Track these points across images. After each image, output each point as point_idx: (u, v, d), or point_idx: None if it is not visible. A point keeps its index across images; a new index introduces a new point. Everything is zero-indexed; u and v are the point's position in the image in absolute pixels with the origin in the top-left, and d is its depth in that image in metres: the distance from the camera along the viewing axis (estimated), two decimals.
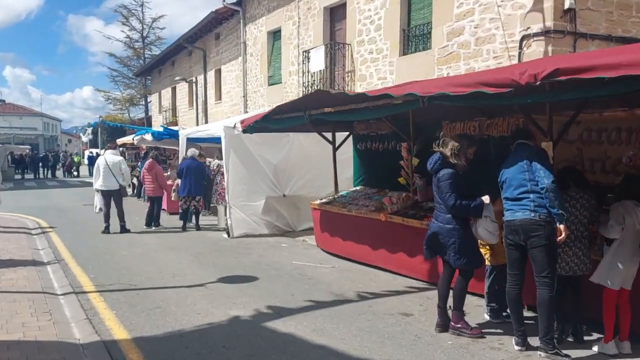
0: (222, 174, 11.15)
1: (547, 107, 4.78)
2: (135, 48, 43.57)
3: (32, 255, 8.55)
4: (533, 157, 4.43)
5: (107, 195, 10.89)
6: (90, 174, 21.92)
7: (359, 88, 11.74)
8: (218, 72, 20.42)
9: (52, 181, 30.77)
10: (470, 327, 4.88)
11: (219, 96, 20.59)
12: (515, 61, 7.99)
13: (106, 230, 11.00)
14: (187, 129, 12.78)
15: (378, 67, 11.14)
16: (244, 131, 8.77)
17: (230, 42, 18.80)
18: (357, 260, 7.89)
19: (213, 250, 8.92)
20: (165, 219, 13.02)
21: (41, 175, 33.75)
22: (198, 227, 11.28)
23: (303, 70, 13.17)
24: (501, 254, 4.95)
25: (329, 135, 9.22)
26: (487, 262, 5.22)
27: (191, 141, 13.33)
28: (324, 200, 9.02)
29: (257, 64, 16.77)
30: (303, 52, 13.17)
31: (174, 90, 26.85)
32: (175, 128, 16.48)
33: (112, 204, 10.81)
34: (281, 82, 15.29)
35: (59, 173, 35.55)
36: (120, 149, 24.22)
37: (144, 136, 14.80)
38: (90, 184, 22.28)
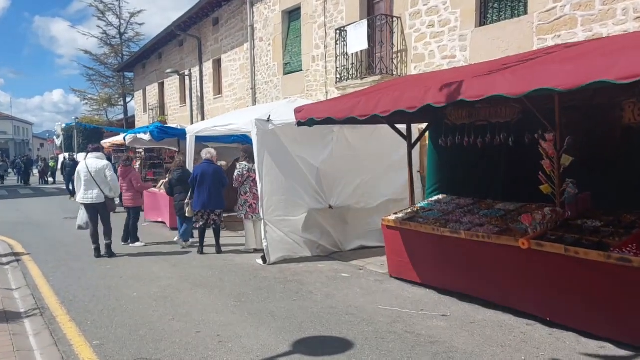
0: (254, 181, 8.76)
1: None
2: (113, 45, 40.68)
3: (1, 300, 6.06)
4: None
5: (91, 209, 8.60)
6: (66, 181, 19.23)
7: (414, 70, 9.47)
8: (217, 63, 17.93)
9: (25, 189, 27.78)
10: None
11: (218, 90, 18.09)
12: None
13: (97, 254, 8.70)
14: (197, 124, 10.33)
15: (443, 44, 8.89)
16: (300, 123, 6.40)
17: (232, 27, 16.35)
18: (466, 293, 5.64)
19: (257, 288, 6.52)
20: (168, 235, 10.61)
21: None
22: (219, 250, 8.85)
23: (336, 53, 10.83)
24: None
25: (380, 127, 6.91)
26: None
27: (200, 140, 10.91)
28: (400, 215, 6.71)
29: (269, 50, 14.36)
30: (336, 30, 10.83)
31: (161, 85, 24.21)
32: (173, 125, 14.00)
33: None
34: (301, 70, 12.92)
35: (34, 179, 32.47)
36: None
37: (138, 136, 12.25)
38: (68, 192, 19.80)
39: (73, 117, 43.69)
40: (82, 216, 8.81)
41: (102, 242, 8.63)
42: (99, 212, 8.69)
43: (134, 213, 9.70)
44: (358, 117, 5.27)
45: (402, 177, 9.20)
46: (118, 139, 16.09)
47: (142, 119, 27.31)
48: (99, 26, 40.05)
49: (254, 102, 15.11)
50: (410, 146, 7.09)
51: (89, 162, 8.66)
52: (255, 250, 8.88)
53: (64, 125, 39.78)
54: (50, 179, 31.03)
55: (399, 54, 9.81)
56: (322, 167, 8.51)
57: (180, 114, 21.27)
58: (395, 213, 6.89)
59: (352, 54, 10.67)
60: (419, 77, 6.06)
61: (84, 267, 7.92)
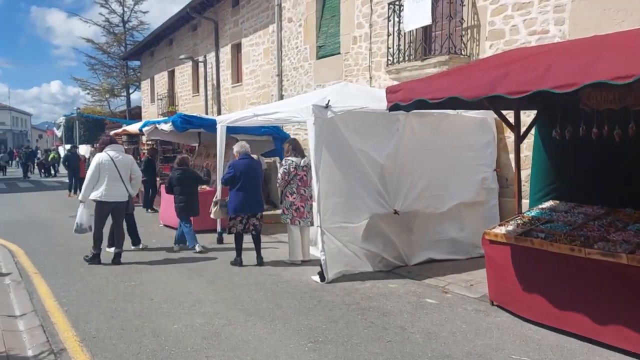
0: (301, 180, 7.33)
1: None
2: (116, 34, 39.10)
3: (1, 336, 4.65)
4: None
5: (107, 209, 7.46)
6: (70, 175, 17.72)
7: (489, 49, 8.03)
8: (236, 48, 16.43)
9: (25, 182, 26.30)
10: None
11: (237, 77, 16.60)
12: None
13: (96, 260, 7.52)
14: (231, 114, 8.85)
15: (530, 17, 7.43)
16: (397, 107, 4.94)
17: (255, 8, 14.84)
18: (617, 346, 4.20)
19: (329, 320, 5.09)
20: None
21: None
22: (261, 261, 7.44)
23: (388, 32, 9.36)
24: None
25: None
26: None
27: (232, 132, 9.46)
28: (512, 228, 5.27)
29: (299, 32, 12.87)
30: (389, 5, 9.34)
31: (171, 74, 22.68)
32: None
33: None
34: (339, 53, 11.44)
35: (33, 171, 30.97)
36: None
37: (159, 126, 10.77)
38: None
39: (75, 108, 42.25)
40: (86, 216, 7.53)
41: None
42: (114, 212, 7.58)
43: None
44: (508, 94, 3.79)
45: (475, 176, 7.85)
46: (132, 128, 14.59)
47: (150, 110, 25.80)
48: (101, 14, 38.46)
49: (280, 90, 13.64)
50: (519, 139, 5.65)
51: (113, 155, 7.51)
52: (303, 262, 7.48)
53: (61, 119, 38.27)
54: (52, 172, 29.56)
55: (471, 30, 8.35)
56: (386, 164, 7.09)
57: (193, 104, 19.78)
58: (501, 224, 5.46)
59: (407, 33, 9.20)
60: (542, 49, 4.64)
61: (103, 284, 6.49)
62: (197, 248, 8.33)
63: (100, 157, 7.54)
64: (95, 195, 7.42)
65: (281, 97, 13.45)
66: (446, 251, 7.54)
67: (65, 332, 4.86)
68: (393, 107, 4.96)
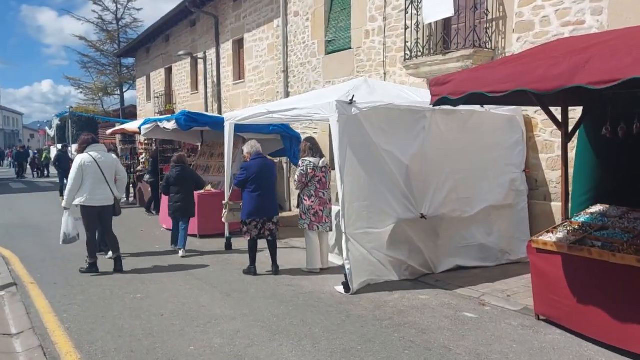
0: (319, 182, 6.82)
1: None
2: (109, 31, 38.35)
3: None
4: None
5: (94, 213, 6.91)
6: (60, 176, 17.08)
7: (516, 43, 7.54)
8: (238, 44, 15.85)
9: (18, 182, 25.62)
10: None
11: (239, 74, 16.02)
12: None
13: (94, 269, 6.99)
14: (240, 111, 8.27)
15: (563, 7, 6.94)
16: (440, 102, 4.42)
17: (259, 2, 14.26)
18: None
19: (364, 339, 4.57)
20: (197, 245, 8.72)
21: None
22: (277, 269, 6.92)
23: (405, 25, 8.84)
24: None
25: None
26: None
27: (237, 130, 8.92)
28: (562, 235, 4.78)
29: (307, 27, 12.32)
30: None
31: (168, 71, 22.05)
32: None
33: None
34: (350, 48, 10.91)
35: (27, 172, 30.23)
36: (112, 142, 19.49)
37: (161, 124, 10.19)
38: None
39: (67, 107, 41.45)
40: (72, 224, 6.97)
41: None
42: (102, 216, 7.02)
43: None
44: (591, 84, 3.27)
45: (504, 177, 7.37)
46: (131, 127, 13.98)
47: (146, 108, 25.16)
48: (94, 11, 37.58)
49: (286, 87, 13.09)
50: (567, 137, 5.16)
51: (95, 155, 6.95)
52: (322, 270, 6.97)
53: (55, 119, 37.43)
54: (45, 172, 28.88)
55: (495, 22, 7.85)
56: (411, 165, 6.59)
57: (192, 102, 19.17)
58: (549, 231, 4.96)
59: (425, 26, 8.70)
60: (610, 35, 4.12)
61: (107, 296, 5.95)
62: (181, 253, 8.03)
63: (82, 158, 6.93)
64: (79, 200, 6.87)
65: (287, 94, 12.91)
66: (474, 258, 7.05)
67: (68, 354, 4.32)
68: (439, 102, 4.44)
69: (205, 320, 5.08)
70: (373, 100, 6.35)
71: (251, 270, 6.85)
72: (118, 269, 7.00)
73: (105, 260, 7.29)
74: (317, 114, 6.34)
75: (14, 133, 73.51)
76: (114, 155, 7.74)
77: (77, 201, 6.88)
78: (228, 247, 8.47)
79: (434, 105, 4.58)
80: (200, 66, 18.19)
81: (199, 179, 8.90)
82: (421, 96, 6.98)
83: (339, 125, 5.93)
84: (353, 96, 6.02)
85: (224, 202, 7.77)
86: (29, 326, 5.03)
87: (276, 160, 11.84)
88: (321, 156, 6.99)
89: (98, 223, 7.07)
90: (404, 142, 6.55)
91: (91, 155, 6.95)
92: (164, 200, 9.79)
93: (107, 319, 5.18)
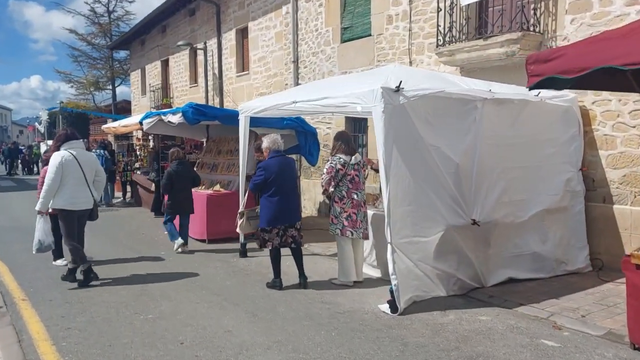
0: (351, 181, 5.96)
1: None
2: (101, 24, 37.22)
3: None
4: None
5: (73, 218, 6.12)
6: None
7: (569, 25, 6.71)
8: (242, 33, 14.90)
9: (6, 180, 24.52)
10: None
11: (242, 66, 15.08)
12: None
13: (91, 276, 6.22)
14: (256, 101, 7.34)
15: None
16: (542, 84, 3.56)
17: None
18: None
19: None
20: (207, 250, 7.84)
21: None
22: (305, 282, 6.05)
23: (438, 7, 7.98)
24: None
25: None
26: None
27: (250, 124, 7.99)
28: None
29: (319, 13, 11.42)
30: None
31: (165, 63, 21.05)
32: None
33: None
34: (369, 35, 10.04)
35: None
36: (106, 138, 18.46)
37: (164, 118, 9.24)
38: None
39: (57, 102, 40.26)
40: (46, 231, 6.10)
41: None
42: (79, 222, 6.26)
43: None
44: None
45: (559, 176, 6.57)
46: (129, 122, 13.00)
47: (141, 103, 24.13)
48: (86, 2, 36.34)
49: (297, 78, 12.20)
50: None
51: (77, 153, 6.13)
52: (355, 283, 6.11)
53: (44, 113, 36.20)
54: (35, 169, 27.79)
55: (542, 3, 7.02)
56: (462, 163, 5.74)
57: (190, 96, 18.20)
58: None
59: (460, 8, 7.85)
60: None
61: (112, 317, 5.06)
62: (175, 246, 7.89)
63: (61, 156, 6.04)
64: (58, 203, 6.00)
65: (297, 85, 12.02)
66: (528, 268, 6.22)
67: None
68: (541, 84, 3.57)
69: (235, 351, 4.20)
70: (423, 87, 5.46)
71: (276, 284, 5.97)
72: (87, 280, 6.11)
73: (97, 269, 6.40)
74: (355, 104, 5.43)
75: (3, 129, 72.06)
76: (92, 154, 7.12)
77: (56, 204, 6.01)
78: (243, 254, 7.59)
79: (533, 88, 3.72)
80: (200, 57, 17.24)
81: (197, 175, 8.55)
82: (467, 84, 6.15)
83: (384, 117, 5.06)
84: (400, 82, 5.15)
85: (239, 211, 6.85)
86: (21, 359, 4.13)
87: None
88: (354, 153, 6.13)
89: (75, 226, 6.20)
90: (453, 137, 5.69)
91: (72, 153, 6.08)
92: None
93: (116, 348, 4.29)
